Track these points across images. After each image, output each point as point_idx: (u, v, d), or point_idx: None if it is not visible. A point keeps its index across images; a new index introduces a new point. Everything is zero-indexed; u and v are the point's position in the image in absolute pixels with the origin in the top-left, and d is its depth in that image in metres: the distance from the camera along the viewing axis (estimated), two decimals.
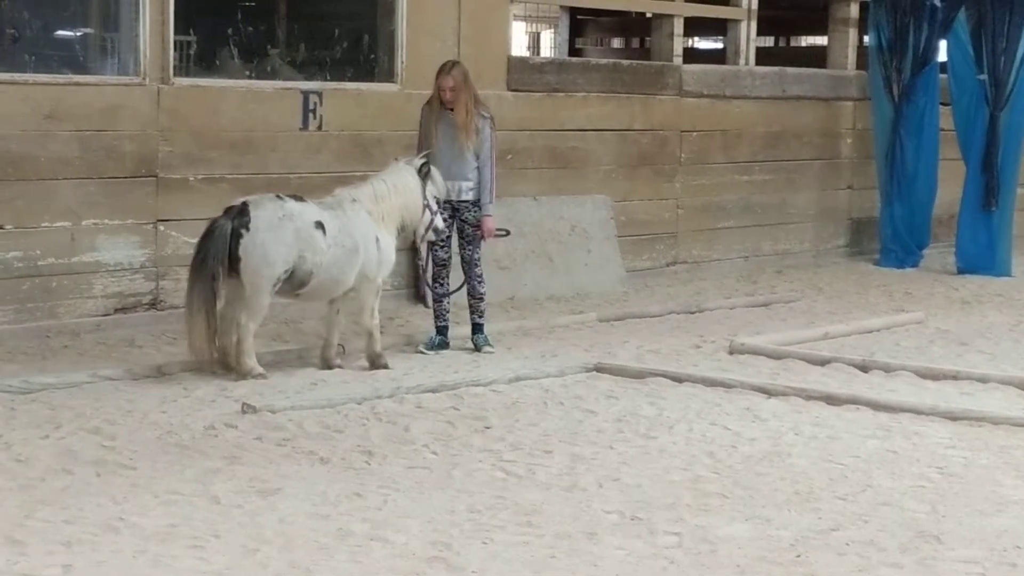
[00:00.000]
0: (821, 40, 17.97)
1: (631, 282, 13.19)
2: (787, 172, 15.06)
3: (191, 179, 10.74)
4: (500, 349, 10.07)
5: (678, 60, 14.15)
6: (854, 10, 15.79)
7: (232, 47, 11.34)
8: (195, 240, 10.54)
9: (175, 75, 10.61)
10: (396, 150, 11.77)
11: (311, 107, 11.31)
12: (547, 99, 13.01)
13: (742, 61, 14.81)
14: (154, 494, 6.43)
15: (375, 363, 9.35)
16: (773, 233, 15.02)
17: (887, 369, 9.50)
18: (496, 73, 12.62)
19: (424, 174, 9.58)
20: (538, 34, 26.25)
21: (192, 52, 11.06)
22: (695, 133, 14.18)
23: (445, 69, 9.98)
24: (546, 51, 24.49)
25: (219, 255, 8.76)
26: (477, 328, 10.12)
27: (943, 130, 15.29)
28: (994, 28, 14.72)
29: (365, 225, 9.30)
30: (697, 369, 9.43)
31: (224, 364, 8.96)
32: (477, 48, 12.41)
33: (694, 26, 16.33)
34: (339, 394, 8.45)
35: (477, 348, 10.04)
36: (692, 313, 11.92)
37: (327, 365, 9.34)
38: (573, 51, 20.95)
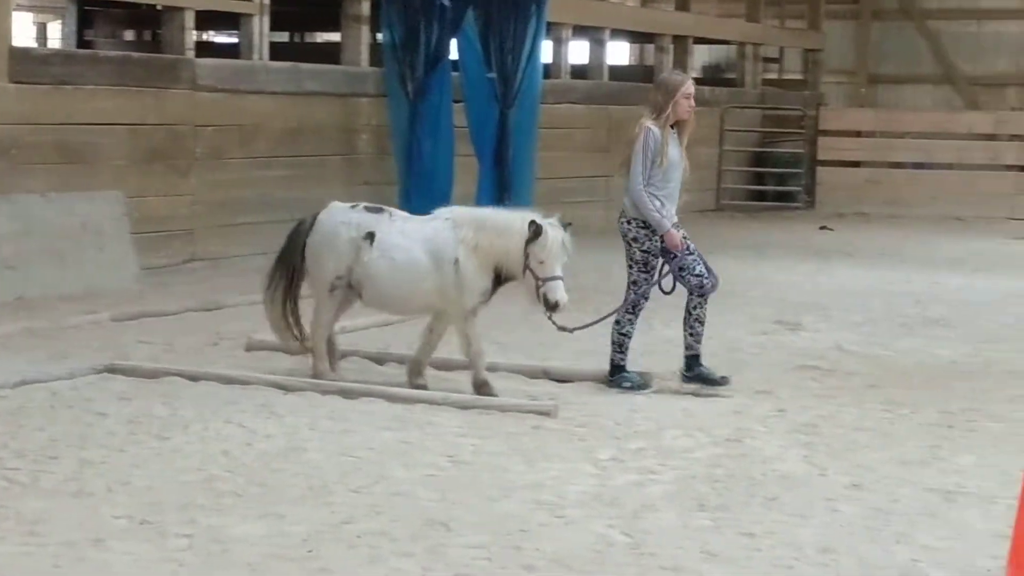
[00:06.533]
0: (336, 37, 18.10)
1: (147, 280, 12.87)
2: (307, 167, 15.07)
3: None
4: (5, 353, 9.58)
5: (191, 53, 13.93)
6: (366, 7, 15.95)
7: None
8: None
9: None
10: None
11: None
12: (54, 92, 12.52)
13: (256, 56, 14.73)
14: None
15: (480, 390, 8.67)
16: None
17: (402, 361, 9.66)
18: None
19: (531, 234, 8.41)
20: (45, 25, 25.32)
21: None
22: (210, 128, 13.99)
23: (685, 76, 8.93)
24: (55, 43, 23.65)
25: (293, 249, 8.98)
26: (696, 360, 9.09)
27: (458, 127, 15.71)
28: (501, 28, 15.26)
29: (440, 243, 8.57)
30: (214, 367, 9.30)
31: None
32: None
33: (209, 19, 16.13)
34: None
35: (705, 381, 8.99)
36: (210, 310, 11.74)
37: (411, 384, 8.84)
38: (83, 43, 20.28)
